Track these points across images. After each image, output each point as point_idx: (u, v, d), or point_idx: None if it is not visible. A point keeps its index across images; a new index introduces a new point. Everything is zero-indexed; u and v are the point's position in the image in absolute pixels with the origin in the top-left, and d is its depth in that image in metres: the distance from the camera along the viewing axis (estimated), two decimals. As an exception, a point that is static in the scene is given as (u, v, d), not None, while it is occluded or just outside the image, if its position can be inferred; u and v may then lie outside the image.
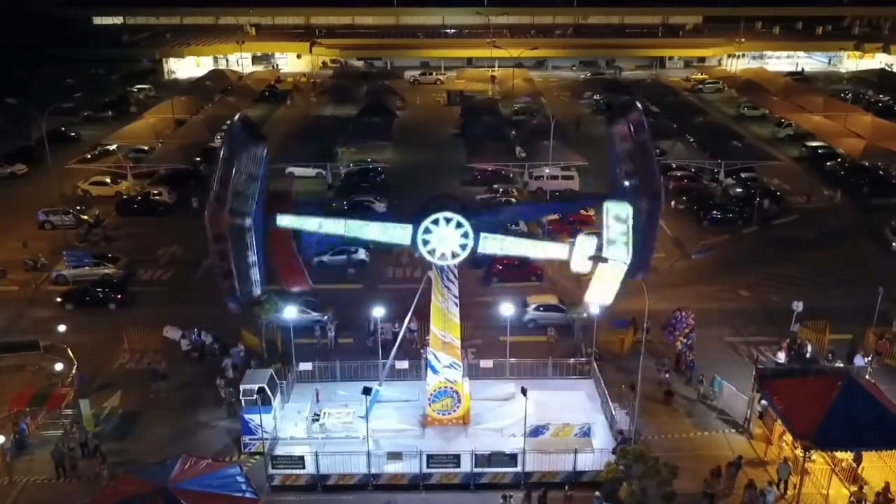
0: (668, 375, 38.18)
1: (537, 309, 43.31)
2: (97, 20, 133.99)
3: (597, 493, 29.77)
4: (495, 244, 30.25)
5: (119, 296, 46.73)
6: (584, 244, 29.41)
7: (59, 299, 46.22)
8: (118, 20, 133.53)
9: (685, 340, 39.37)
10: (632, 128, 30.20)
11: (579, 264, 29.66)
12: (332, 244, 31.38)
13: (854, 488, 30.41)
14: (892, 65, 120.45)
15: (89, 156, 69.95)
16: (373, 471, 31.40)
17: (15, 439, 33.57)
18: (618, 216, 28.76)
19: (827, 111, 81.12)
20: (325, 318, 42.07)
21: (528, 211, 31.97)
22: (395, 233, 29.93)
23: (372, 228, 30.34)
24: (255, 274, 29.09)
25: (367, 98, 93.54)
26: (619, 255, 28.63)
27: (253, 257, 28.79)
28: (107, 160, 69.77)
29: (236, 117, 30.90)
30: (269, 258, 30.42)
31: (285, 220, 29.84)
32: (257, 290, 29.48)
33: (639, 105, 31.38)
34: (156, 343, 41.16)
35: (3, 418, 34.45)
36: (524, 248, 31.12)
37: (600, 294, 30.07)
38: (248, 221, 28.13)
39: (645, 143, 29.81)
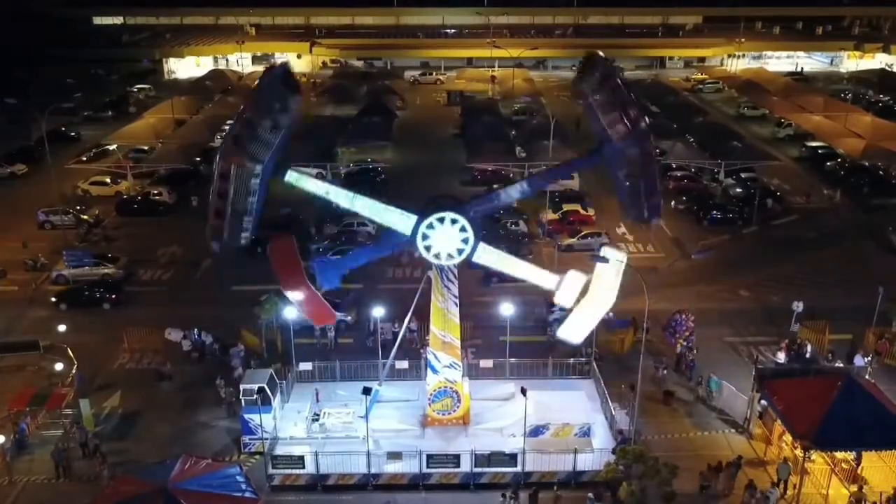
0: (665, 372, 38.26)
1: (563, 309, 42.37)
2: (97, 20, 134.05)
3: (589, 494, 29.79)
4: (491, 258, 30.19)
5: (113, 296, 46.70)
6: (573, 280, 29.39)
7: (53, 299, 46.25)
8: (118, 20, 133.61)
9: (685, 343, 39.41)
10: (600, 77, 29.37)
11: (563, 298, 29.65)
12: (348, 271, 31.07)
13: (854, 488, 30.40)
14: (892, 65, 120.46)
15: (85, 158, 69.64)
16: (373, 471, 31.39)
17: (15, 439, 33.56)
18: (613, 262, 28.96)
19: (827, 111, 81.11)
20: (349, 318, 41.98)
21: (521, 190, 31.20)
22: (399, 220, 29.79)
23: (378, 208, 30.10)
24: (248, 223, 28.43)
25: (367, 98, 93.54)
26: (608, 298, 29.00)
27: (252, 205, 28.26)
28: (104, 160, 69.76)
29: (280, 62, 30.16)
30: (290, 298, 30.30)
31: (293, 177, 29.55)
32: (245, 239, 28.69)
33: (601, 53, 30.84)
34: (156, 343, 41.15)
35: (3, 418, 34.43)
36: (516, 268, 30.70)
37: (573, 332, 29.93)
38: (259, 168, 27.69)
39: (617, 87, 28.91)
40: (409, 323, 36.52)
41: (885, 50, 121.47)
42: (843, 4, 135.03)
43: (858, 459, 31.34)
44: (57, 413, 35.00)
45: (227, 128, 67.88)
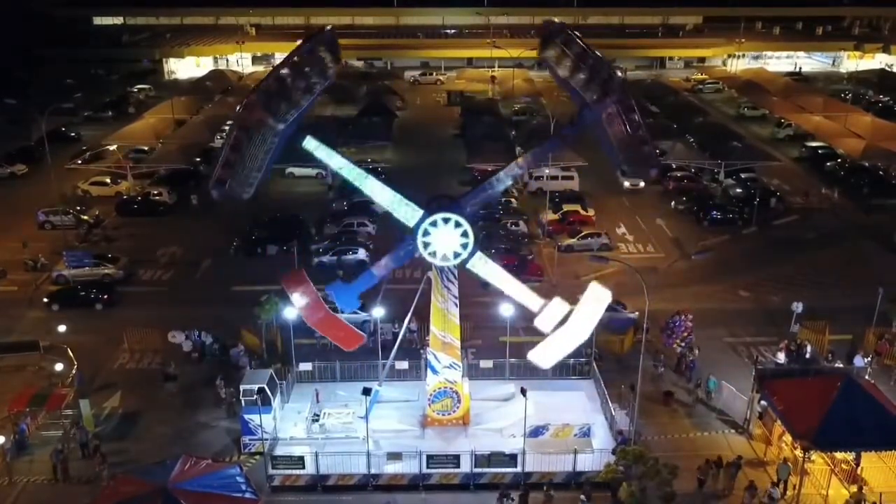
0: (662, 370, 38.21)
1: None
2: (97, 20, 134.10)
3: (582, 496, 29.79)
4: (484, 268, 30.17)
5: (105, 296, 46.65)
6: (556, 308, 29.27)
7: (45, 300, 46.20)
8: (118, 20, 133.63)
9: (682, 344, 39.40)
10: (564, 46, 29.21)
11: (543, 323, 29.43)
12: (367, 286, 31.24)
13: (853, 489, 30.41)
14: (892, 65, 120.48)
15: (80, 161, 69.15)
16: (373, 471, 31.41)
17: (15, 439, 33.55)
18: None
19: (827, 111, 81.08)
20: (371, 317, 41.95)
21: (513, 173, 30.91)
22: (406, 210, 29.76)
23: (386, 194, 30.02)
24: (255, 178, 28.27)
25: (367, 98, 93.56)
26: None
27: (263, 162, 28.08)
28: (102, 161, 69.60)
29: (328, 28, 29.75)
30: (316, 327, 30.73)
31: (312, 144, 29.50)
32: (248, 193, 28.48)
33: (556, 20, 30.45)
34: (155, 343, 41.16)
35: (3, 418, 34.42)
36: (505, 284, 30.46)
37: (544, 356, 29.71)
38: (281, 126, 27.45)
39: (582, 52, 28.70)
40: (409, 323, 36.52)
41: (885, 50, 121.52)
42: (843, 4, 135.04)
43: (858, 460, 31.37)
44: (57, 413, 34.97)
45: (227, 128, 67.91)
